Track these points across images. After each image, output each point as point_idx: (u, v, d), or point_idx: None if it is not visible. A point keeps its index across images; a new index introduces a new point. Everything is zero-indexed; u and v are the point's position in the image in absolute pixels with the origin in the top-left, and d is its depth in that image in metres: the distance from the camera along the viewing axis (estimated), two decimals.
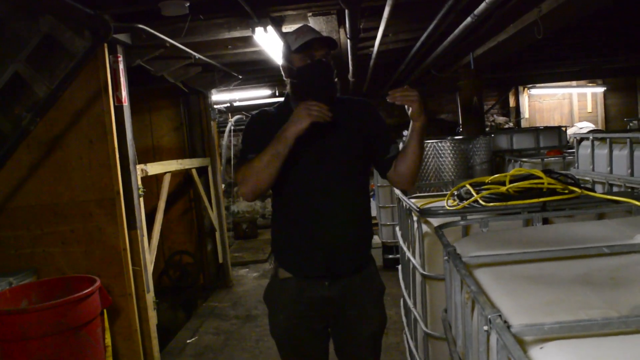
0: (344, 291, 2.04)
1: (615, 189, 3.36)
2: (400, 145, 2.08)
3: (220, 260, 6.20)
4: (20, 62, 3.27)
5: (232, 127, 9.42)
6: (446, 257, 1.35)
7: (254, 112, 2.19)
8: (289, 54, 2.02)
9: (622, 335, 0.85)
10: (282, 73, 2.09)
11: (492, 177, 2.15)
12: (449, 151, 4.89)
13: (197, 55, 4.38)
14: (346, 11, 3.43)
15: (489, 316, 0.91)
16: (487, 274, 1.20)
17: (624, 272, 1.15)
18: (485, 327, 0.93)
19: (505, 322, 0.89)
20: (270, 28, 3.67)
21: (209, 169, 6.05)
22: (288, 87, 2.07)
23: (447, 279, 1.38)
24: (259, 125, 2.08)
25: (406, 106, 1.92)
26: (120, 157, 3.55)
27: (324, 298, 2.03)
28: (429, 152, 4.89)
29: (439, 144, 4.92)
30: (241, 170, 1.95)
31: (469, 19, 3.75)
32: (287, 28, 3.99)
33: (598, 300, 1.01)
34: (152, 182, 5.22)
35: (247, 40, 4.35)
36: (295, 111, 1.88)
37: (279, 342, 2.16)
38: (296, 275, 2.05)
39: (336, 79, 2.04)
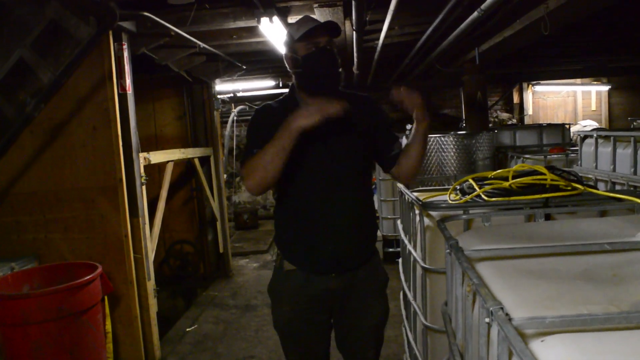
0: (349, 283, 2.05)
1: (618, 188, 3.35)
2: (403, 140, 2.09)
3: (221, 250, 6.22)
4: (25, 48, 3.26)
5: (235, 118, 9.42)
6: (448, 250, 1.36)
7: (258, 107, 2.17)
8: (292, 44, 2.00)
9: (623, 331, 0.86)
10: (286, 65, 2.06)
11: (495, 172, 2.15)
12: (451, 146, 4.90)
13: (202, 45, 4.36)
14: (353, 3, 3.42)
15: (491, 308, 0.91)
16: (489, 268, 1.20)
17: (626, 269, 1.15)
18: (487, 320, 0.94)
19: (507, 314, 0.89)
20: (275, 18, 3.65)
21: (212, 158, 6.05)
22: (293, 78, 2.06)
23: (449, 271, 1.38)
24: (263, 119, 2.06)
25: (409, 108, 1.93)
26: (123, 145, 3.55)
27: (329, 290, 2.04)
28: (432, 147, 4.89)
29: (442, 139, 4.92)
30: (247, 165, 1.91)
31: (475, 14, 3.73)
32: (293, 19, 3.97)
33: (599, 295, 1.01)
34: (154, 171, 5.22)
35: (252, 31, 4.33)
36: (306, 107, 1.85)
37: (282, 334, 2.16)
38: (303, 269, 2.06)
39: (340, 69, 2.02)
